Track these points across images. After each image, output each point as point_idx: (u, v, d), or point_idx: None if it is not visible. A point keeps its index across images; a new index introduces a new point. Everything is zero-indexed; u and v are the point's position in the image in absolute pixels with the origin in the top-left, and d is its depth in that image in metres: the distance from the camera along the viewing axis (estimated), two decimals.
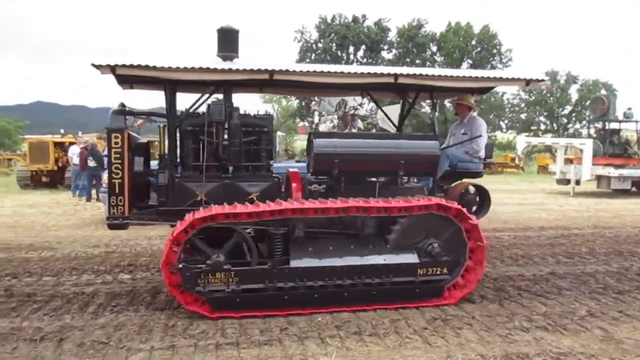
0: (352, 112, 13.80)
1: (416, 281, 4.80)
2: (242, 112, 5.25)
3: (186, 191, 5.01)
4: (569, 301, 5.05)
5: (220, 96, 5.34)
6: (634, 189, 17.20)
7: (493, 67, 44.37)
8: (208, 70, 4.73)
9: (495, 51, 43.51)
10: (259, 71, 4.78)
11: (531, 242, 8.22)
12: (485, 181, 12.47)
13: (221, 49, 5.45)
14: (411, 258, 4.84)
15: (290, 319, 4.47)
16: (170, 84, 5.03)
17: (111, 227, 5.10)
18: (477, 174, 6.31)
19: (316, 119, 25.71)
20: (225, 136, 5.13)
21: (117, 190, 4.92)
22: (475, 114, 6.48)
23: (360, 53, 41.74)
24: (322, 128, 16.68)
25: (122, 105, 5.16)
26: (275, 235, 4.67)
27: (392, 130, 15.08)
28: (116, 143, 4.91)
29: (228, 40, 5.48)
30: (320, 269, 4.65)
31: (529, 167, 34.27)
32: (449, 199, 5.18)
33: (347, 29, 39.81)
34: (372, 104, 39.70)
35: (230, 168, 5.27)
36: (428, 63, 43.10)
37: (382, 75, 5.18)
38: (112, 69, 4.59)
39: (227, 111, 5.04)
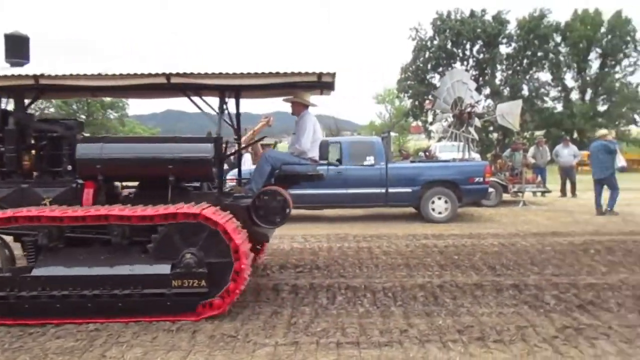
0: (468, 109, 13.33)
1: (168, 294, 4.48)
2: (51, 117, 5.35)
3: None
4: None
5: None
6: None
7: (626, 56, 40.59)
8: None
9: (629, 38, 39.70)
10: (25, 77, 4.85)
11: None
12: (618, 179, 11.41)
13: (9, 55, 5.51)
14: (162, 269, 4.53)
15: (410, 320, 4.44)
16: None
17: None
18: (312, 177, 5.80)
19: (430, 118, 25.27)
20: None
21: None
22: (310, 111, 5.90)
23: (477, 48, 40.26)
24: (437, 127, 16.33)
25: None
26: (26, 242, 4.67)
27: (513, 127, 14.48)
28: None
29: (16, 47, 5.56)
30: (63, 278, 4.49)
31: None
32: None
33: (461, 24, 38.60)
34: (489, 101, 38.37)
35: (35, 173, 5.31)
36: (551, 55, 40.44)
37: (152, 75, 4.86)
38: None
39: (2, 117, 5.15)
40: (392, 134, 48.36)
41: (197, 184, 5.52)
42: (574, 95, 42.16)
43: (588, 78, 41.25)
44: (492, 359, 3.69)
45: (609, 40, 39.70)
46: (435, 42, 39.66)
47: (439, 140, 17.65)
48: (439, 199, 10.42)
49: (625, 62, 40.93)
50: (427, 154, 16.30)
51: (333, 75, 4.93)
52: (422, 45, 40.29)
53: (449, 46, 39.55)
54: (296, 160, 5.71)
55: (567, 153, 15.07)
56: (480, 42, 39.39)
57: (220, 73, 4.89)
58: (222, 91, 5.43)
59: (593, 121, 40.08)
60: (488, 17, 39.46)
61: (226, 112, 5.78)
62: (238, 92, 6.01)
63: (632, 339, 3.97)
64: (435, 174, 10.67)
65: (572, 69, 41.46)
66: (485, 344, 3.92)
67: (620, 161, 11.32)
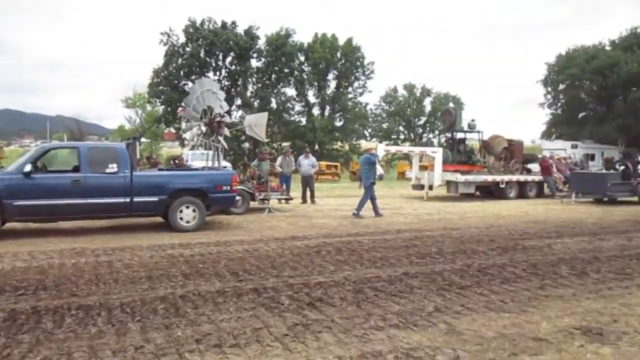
0: (218, 119, 13.57)
1: None
2: None
3: None
4: (419, 299, 5.43)
5: None
6: (477, 192, 19.08)
7: (357, 79, 46.62)
8: None
9: (358, 63, 45.71)
10: None
11: (388, 245, 8.71)
12: (348, 188, 12.96)
13: None
14: None
15: (147, 335, 4.26)
16: None
17: None
18: None
19: (183, 125, 24.97)
20: None
21: None
22: None
23: (229, 60, 41.42)
24: (189, 135, 16.21)
25: None
26: None
27: (260, 138, 15.27)
28: None
29: None
30: None
31: (390, 173, 36.38)
32: None
33: (215, 35, 39.28)
34: (240, 111, 39.82)
35: None
36: (296, 72, 44.05)
37: None
38: None
39: None
40: (144, 140, 46.38)
41: None
42: (316, 111, 46.72)
43: (327, 96, 46.16)
44: None
45: (343, 64, 45.18)
46: (188, 50, 39.56)
47: (192, 148, 17.55)
48: (187, 207, 10.31)
49: (356, 84, 47.11)
50: (176, 162, 16.04)
51: None
52: (175, 51, 39.79)
53: (202, 55, 39.86)
54: None
55: (307, 163, 16.56)
56: (232, 54, 40.68)
57: None
58: None
59: (331, 135, 45.04)
60: (240, 31, 41.01)
61: None
62: None
63: (349, 329, 4.49)
64: (182, 182, 10.55)
65: (313, 87, 45.92)
66: (222, 350, 3.98)
67: (379, 170, 13.06)
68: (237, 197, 12.05)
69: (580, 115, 45.38)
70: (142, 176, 10.26)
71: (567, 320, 4.71)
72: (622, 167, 17.61)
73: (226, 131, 14.20)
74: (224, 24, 40.46)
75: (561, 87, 45.32)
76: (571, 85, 44.02)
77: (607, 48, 44.28)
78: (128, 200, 9.76)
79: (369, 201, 12.99)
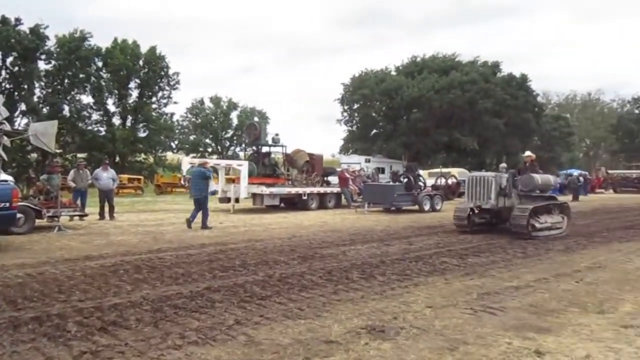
0: None
1: None
2: None
3: None
4: (220, 313, 5.40)
5: None
6: (282, 204, 19.80)
7: (161, 89, 45.07)
8: None
9: (163, 73, 44.26)
10: None
11: (192, 260, 8.52)
12: (152, 202, 12.43)
13: None
14: None
15: None
16: None
17: None
18: None
19: None
20: None
21: None
22: None
23: (11, 60, 36.64)
24: None
25: None
26: None
27: (49, 149, 13.74)
28: None
29: None
30: None
31: None
32: None
33: None
34: (25, 118, 35.46)
35: None
36: (93, 79, 40.90)
37: None
38: None
39: None
40: None
41: None
42: (116, 121, 43.88)
43: (128, 106, 43.68)
44: None
45: (146, 73, 43.31)
46: None
47: None
48: None
49: (160, 94, 45.49)
50: None
51: None
52: None
53: None
54: None
55: (106, 177, 15.43)
56: (15, 54, 36.07)
57: None
58: None
59: (133, 146, 42.70)
60: (24, 28, 36.63)
61: None
62: None
63: (144, 351, 4.26)
64: None
65: (113, 95, 43.07)
66: None
67: (212, 187, 13.08)
68: (19, 215, 10.68)
69: (372, 132, 50.18)
70: None
71: (356, 321, 5.13)
72: (406, 180, 19.94)
73: (6, 140, 12.47)
74: (4, 20, 35.66)
75: (355, 106, 49.57)
76: (364, 104, 48.46)
77: (393, 73, 49.84)
78: None
79: (199, 212, 13.22)
